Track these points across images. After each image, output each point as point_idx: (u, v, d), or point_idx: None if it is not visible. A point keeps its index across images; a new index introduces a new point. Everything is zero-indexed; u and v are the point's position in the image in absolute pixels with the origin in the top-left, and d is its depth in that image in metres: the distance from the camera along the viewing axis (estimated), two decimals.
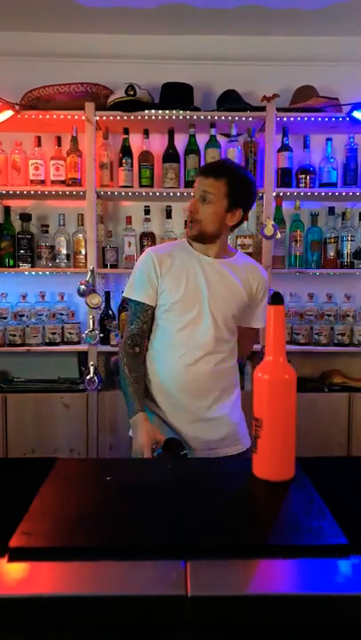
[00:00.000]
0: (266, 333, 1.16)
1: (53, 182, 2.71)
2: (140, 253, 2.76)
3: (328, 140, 2.80)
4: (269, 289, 1.70)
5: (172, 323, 1.62)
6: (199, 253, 1.64)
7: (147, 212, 2.79)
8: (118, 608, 0.76)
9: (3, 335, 2.72)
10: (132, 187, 2.73)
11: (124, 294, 1.71)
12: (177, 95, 2.68)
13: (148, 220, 2.80)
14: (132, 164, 2.73)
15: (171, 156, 2.73)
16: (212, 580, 0.79)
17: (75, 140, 2.72)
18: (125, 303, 2.85)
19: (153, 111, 2.63)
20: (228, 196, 1.56)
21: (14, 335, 2.71)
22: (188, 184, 2.72)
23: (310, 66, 2.83)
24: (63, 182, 2.71)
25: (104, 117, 2.66)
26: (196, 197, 1.58)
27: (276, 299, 1.15)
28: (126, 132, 2.74)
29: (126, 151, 2.73)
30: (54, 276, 2.86)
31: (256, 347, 2.46)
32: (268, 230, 2.61)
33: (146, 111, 2.63)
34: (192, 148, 2.72)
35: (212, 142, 2.71)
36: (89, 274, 2.65)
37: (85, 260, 2.73)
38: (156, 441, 1.49)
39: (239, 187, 1.58)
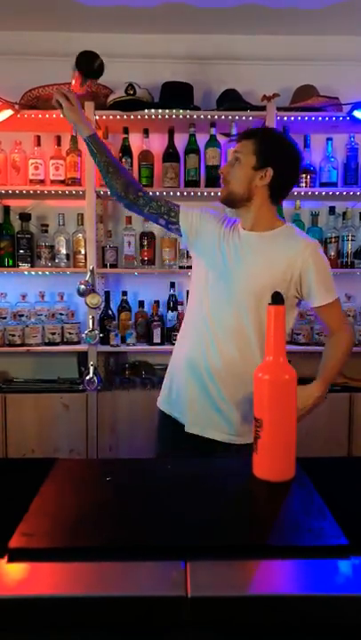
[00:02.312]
0: (266, 333, 1.15)
1: (53, 182, 2.71)
2: (140, 253, 2.79)
3: (328, 139, 2.80)
4: (323, 259, 1.53)
5: (198, 299, 1.59)
6: (238, 226, 1.59)
7: None
8: (118, 608, 0.76)
9: (2, 335, 2.72)
10: None
11: None
12: (177, 94, 2.67)
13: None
14: (131, 163, 2.73)
15: (171, 155, 2.72)
16: (212, 580, 0.79)
17: (74, 139, 2.71)
18: (125, 303, 2.85)
19: (153, 110, 2.63)
20: (256, 153, 1.49)
21: (14, 335, 2.71)
22: (189, 183, 2.72)
23: (311, 65, 2.83)
24: (63, 182, 2.71)
25: (104, 117, 2.66)
26: (229, 161, 1.56)
27: (276, 299, 1.15)
28: (126, 131, 2.73)
29: (126, 150, 2.73)
30: (54, 275, 2.86)
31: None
32: None
33: (146, 110, 2.62)
34: (192, 147, 2.72)
35: (213, 142, 2.71)
36: (88, 274, 2.65)
37: (85, 259, 2.72)
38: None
39: (268, 144, 1.51)
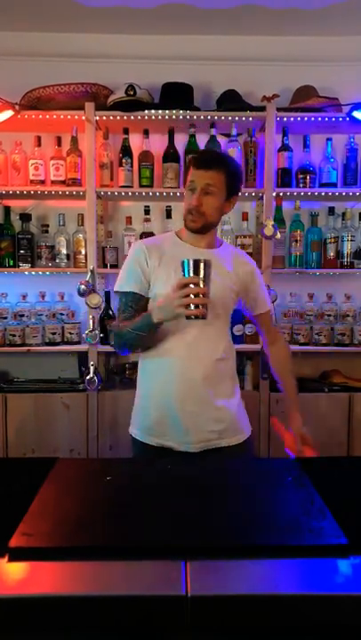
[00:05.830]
0: None
1: (53, 182, 2.71)
2: None
3: (328, 139, 2.80)
4: (258, 273, 1.74)
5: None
6: (190, 245, 1.64)
7: (147, 211, 2.79)
8: (118, 608, 0.76)
9: (3, 335, 2.72)
10: (131, 187, 2.73)
11: (115, 289, 1.68)
12: (177, 95, 2.67)
13: (148, 220, 2.80)
14: (132, 163, 2.73)
15: (171, 155, 2.73)
16: (212, 580, 0.79)
17: (75, 139, 2.72)
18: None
19: (153, 111, 2.63)
20: (227, 186, 1.59)
21: (14, 335, 2.71)
22: None
23: (310, 66, 2.83)
24: (63, 182, 2.71)
25: (104, 117, 2.66)
26: (198, 191, 1.57)
27: None
28: (126, 131, 2.73)
29: (126, 151, 2.73)
30: (54, 275, 2.86)
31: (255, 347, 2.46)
32: (268, 230, 2.61)
33: (146, 111, 2.62)
34: (192, 147, 2.72)
35: (212, 142, 2.71)
36: (89, 274, 2.65)
37: (85, 259, 2.73)
38: None
39: (235, 176, 1.62)
